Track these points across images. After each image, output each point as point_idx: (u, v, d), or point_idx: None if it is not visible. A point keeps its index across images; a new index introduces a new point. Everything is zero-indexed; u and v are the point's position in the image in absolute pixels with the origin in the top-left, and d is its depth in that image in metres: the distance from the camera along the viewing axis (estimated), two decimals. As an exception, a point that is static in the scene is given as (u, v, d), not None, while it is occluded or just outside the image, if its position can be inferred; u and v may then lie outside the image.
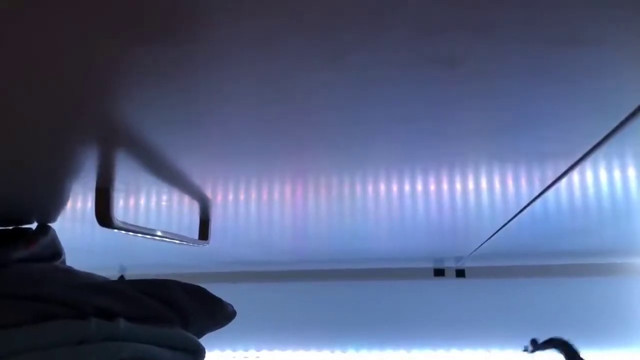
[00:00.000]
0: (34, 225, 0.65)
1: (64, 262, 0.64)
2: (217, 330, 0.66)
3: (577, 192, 0.64)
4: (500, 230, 1.04)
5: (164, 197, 0.54)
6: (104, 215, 0.43)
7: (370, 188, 0.62)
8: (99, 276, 0.60)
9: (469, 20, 0.21)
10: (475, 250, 1.43)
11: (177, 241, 0.57)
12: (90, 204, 0.62)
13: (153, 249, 1.31)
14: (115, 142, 0.35)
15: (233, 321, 0.69)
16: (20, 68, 0.24)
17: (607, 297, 1.79)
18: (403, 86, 0.29)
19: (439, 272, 1.91)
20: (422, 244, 1.37)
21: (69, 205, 0.62)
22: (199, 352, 0.59)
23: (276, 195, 0.62)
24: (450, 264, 1.87)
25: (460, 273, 1.90)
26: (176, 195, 0.53)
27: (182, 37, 0.22)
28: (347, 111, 0.32)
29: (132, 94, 0.27)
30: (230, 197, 0.58)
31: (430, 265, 1.89)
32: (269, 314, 1.96)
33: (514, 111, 0.33)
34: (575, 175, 0.55)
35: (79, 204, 0.61)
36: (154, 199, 0.55)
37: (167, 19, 0.20)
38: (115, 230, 0.47)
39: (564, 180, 0.57)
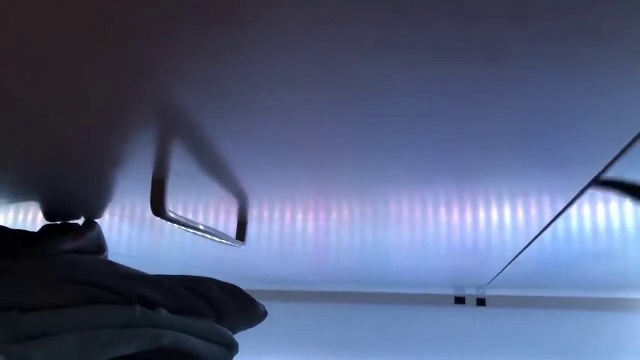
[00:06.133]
0: (79, 221, 0.70)
1: (106, 257, 0.68)
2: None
3: (600, 211, 0.65)
4: (521, 255, 1.05)
5: (206, 194, 0.57)
6: (158, 205, 0.47)
7: (392, 207, 0.63)
8: (138, 270, 0.64)
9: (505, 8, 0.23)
10: (495, 277, 1.43)
11: (217, 239, 0.61)
12: (129, 203, 0.66)
13: (181, 263, 1.34)
14: (173, 131, 0.38)
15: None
16: (78, 50, 0.25)
17: (630, 333, 1.77)
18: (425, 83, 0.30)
19: (460, 300, 1.91)
20: (442, 269, 1.38)
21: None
22: (233, 346, 0.62)
23: (300, 214, 0.63)
24: (471, 292, 1.87)
25: (480, 302, 1.90)
26: (217, 193, 0.57)
27: (240, 17, 0.23)
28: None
29: (186, 76, 0.28)
30: (270, 203, 0.60)
31: (451, 292, 1.89)
32: (286, 334, 1.97)
33: (544, 110, 0.34)
34: (597, 192, 0.56)
35: (117, 201, 0.64)
36: (197, 196, 0.59)
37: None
38: (164, 222, 0.51)
39: (584, 198, 0.58)
